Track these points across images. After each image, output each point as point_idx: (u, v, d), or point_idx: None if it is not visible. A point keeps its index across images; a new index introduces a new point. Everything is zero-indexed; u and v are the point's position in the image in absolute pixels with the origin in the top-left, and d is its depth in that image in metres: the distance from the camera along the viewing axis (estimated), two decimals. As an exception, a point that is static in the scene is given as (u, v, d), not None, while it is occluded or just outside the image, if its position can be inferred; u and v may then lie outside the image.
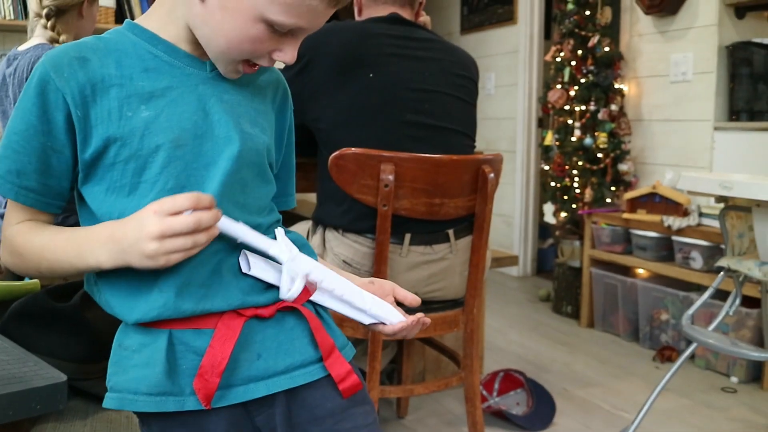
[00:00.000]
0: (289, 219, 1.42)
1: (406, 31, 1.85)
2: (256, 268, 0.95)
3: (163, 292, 0.90)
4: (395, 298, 1.11)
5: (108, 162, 0.91)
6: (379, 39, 1.79)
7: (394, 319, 1.06)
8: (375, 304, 1.06)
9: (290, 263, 0.95)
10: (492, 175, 1.73)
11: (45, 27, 1.98)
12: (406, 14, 1.90)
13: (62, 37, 1.98)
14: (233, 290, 0.94)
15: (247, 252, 0.95)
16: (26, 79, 1.92)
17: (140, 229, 0.83)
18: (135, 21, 0.99)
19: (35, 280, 1.30)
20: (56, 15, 1.98)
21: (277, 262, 0.95)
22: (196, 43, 0.95)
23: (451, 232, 1.77)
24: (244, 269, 0.94)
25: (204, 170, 0.93)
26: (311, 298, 1.01)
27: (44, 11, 1.97)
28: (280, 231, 0.99)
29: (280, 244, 0.96)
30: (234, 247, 0.95)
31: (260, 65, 0.95)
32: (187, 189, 0.91)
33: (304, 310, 0.98)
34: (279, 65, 1.01)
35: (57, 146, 0.91)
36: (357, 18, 1.98)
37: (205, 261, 0.92)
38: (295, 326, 0.99)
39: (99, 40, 0.96)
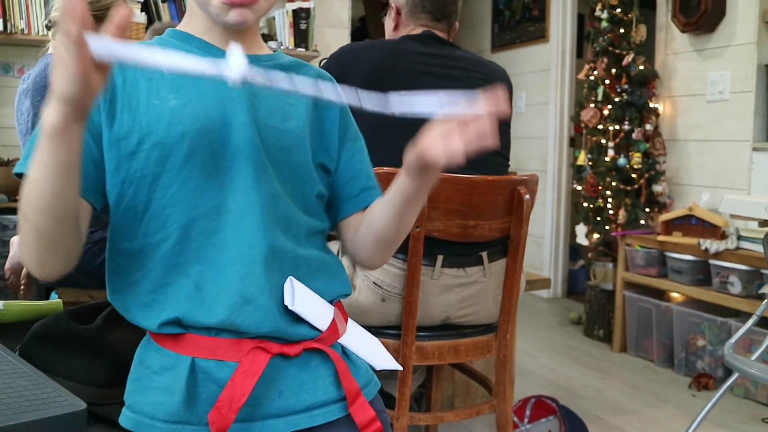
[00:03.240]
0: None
1: (440, 49, 1.81)
2: (301, 302, 0.92)
3: (188, 293, 0.90)
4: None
5: (129, 150, 0.91)
6: (411, 57, 1.76)
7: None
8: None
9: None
10: (527, 196, 1.67)
11: (53, 38, 2.06)
12: (441, 32, 1.88)
13: None
14: (268, 314, 0.91)
15: (294, 280, 0.91)
16: (40, 88, 1.93)
17: None
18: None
19: (58, 300, 1.27)
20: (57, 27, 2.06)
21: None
22: (226, 37, 0.98)
23: (484, 254, 1.71)
24: (287, 302, 0.92)
25: (231, 159, 0.93)
26: (341, 342, 1.00)
27: (46, 23, 2.07)
28: (235, 46, 0.79)
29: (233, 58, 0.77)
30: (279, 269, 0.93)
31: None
32: (214, 178, 0.91)
33: (331, 352, 0.97)
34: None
35: (93, 129, 0.91)
36: (391, 35, 1.96)
37: (239, 270, 0.90)
38: (319, 365, 0.97)
39: (140, 45, 0.98)
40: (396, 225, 1.01)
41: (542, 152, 4.92)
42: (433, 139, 0.85)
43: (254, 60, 0.99)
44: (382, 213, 1.01)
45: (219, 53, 0.97)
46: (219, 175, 0.92)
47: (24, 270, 2.14)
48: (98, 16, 2.08)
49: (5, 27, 3.30)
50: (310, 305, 0.94)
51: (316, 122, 1.05)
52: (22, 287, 2.09)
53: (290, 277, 0.93)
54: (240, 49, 0.77)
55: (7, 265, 2.17)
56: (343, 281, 1.04)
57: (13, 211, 3.26)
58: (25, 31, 3.39)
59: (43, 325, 1.14)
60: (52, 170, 0.77)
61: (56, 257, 0.86)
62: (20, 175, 0.86)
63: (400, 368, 1.06)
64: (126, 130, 0.91)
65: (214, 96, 0.94)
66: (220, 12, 0.94)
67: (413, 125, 1.69)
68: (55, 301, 1.27)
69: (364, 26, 6.58)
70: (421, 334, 1.67)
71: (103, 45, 0.71)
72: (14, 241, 2.16)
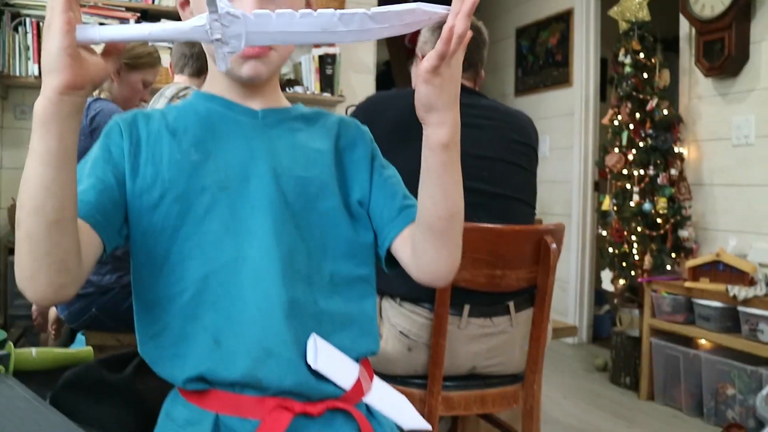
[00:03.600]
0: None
1: (466, 98, 1.82)
2: (325, 361, 0.90)
3: (208, 347, 0.90)
4: None
5: (151, 203, 0.92)
6: (438, 106, 1.77)
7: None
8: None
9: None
10: (554, 245, 1.67)
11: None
12: (467, 81, 1.89)
13: (96, 91, 2.07)
14: (290, 368, 0.90)
15: (317, 338, 0.90)
16: (87, 133, 1.97)
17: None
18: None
19: (89, 348, 1.28)
20: None
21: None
22: (245, 93, 1.00)
23: (511, 304, 1.71)
24: (310, 361, 0.91)
25: (250, 213, 0.93)
26: (366, 400, 0.99)
27: None
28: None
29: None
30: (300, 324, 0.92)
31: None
32: (233, 231, 0.92)
33: (355, 412, 0.95)
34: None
35: (118, 173, 0.93)
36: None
37: (259, 323, 0.90)
38: (343, 424, 0.94)
39: (167, 107, 1.03)
40: (441, 202, 0.93)
41: (566, 197, 4.91)
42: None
43: (274, 113, 1.02)
44: (424, 193, 0.95)
45: (238, 107, 1.00)
46: (238, 228, 0.92)
47: (53, 313, 2.17)
48: (130, 64, 2.13)
49: (40, 74, 3.38)
50: (334, 364, 0.93)
51: (341, 162, 1.04)
52: (52, 332, 2.11)
53: (313, 335, 0.92)
54: None
55: (34, 306, 2.20)
56: (371, 338, 1.02)
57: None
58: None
59: (75, 373, 1.15)
60: (41, 159, 0.74)
61: (47, 271, 0.78)
62: None
63: (429, 428, 1.04)
64: (149, 183, 0.92)
65: (235, 150, 0.96)
66: (234, 66, 0.95)
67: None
68: (85, 349, 1.28)
69: (389, 70, 6.66)
70: (447, 384, 1.66)
71: (88, 31, 0.73)
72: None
